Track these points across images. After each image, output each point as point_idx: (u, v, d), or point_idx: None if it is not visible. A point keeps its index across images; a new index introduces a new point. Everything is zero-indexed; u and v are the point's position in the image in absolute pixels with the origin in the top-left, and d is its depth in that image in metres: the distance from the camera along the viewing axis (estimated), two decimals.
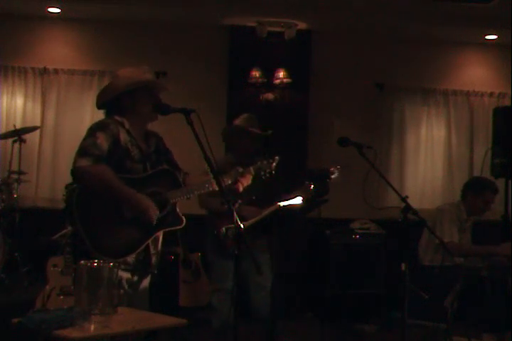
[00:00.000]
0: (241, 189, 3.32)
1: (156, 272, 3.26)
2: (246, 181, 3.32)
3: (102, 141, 3.00)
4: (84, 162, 2.96)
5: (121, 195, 2.98)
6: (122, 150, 3.07)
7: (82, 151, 2.98)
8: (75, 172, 2.98)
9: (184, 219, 3.19)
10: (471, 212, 4.83)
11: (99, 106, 3.26)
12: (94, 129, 3.06)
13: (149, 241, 3.07)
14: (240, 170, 3.32)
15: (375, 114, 6.62)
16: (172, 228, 3.16)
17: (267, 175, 3.40)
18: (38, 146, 6.17)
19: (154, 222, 3.02)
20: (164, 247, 3.29)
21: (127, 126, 3.14)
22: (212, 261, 4.20)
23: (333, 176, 4.02)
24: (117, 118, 3.14)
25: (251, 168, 3.35)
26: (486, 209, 4.84)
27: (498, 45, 6.72)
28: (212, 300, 4.16)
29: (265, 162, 3.42)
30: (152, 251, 3.15)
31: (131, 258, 3.05)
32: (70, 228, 3.02)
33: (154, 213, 3.01)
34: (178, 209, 3.17)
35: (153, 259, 3.17)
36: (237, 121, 4.22)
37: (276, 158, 3.47)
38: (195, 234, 4.87)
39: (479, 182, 4.89)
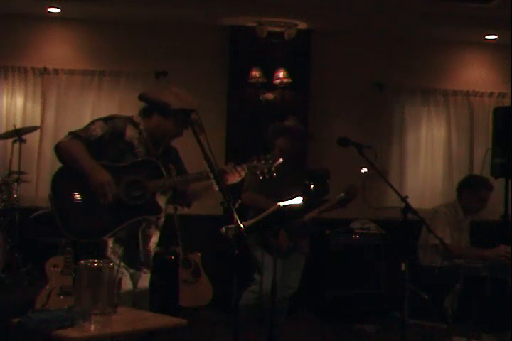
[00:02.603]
0: (228, 184, 3.19)
1: (146, 271, 3.27)
2: (233, 178, 3.19)
3: (96, 127, 3.12)
4: (65, 138, 3.12)
5: (83, 167, 3.02)
6: (125, 143, 3.15)
7: (72, 131, 3.15)
8: (55, 147, 3.13)
9: (162, 209, 3.20)
10: (468, 210, 4.85)
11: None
12: (98, 118, 3.22)
13: (124, 226, 3.06)
14: (231, 165, 3.22)
15: (375, 114, 6.62)
16: (148, 216, 3.18)
17: (266, 175, 3.24)
18: (38, 146, 6.17)
19: (108, 199, 3.00)
20: (164, 247, 3.31)
21: (142, 126, 3.21)
22: (254, 256, 4.06)
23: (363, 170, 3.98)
24: (135, 119, 3.24)
25: (244, 166, 3.22)
26: (482, 207, 4.84)
27: (498, 45, 6.72)
28: (246, 297, 4.12)
29: (263, 161, 3.25)
30: (141, 247, 3.18)
31: (120, 250, 3.12)
32: (47, 209, 3.12)
33: (110, 190, 3.00)
34: (157, 199, 3.17)
35: (141, 256, 3.19)
36: (286, 122, 4.40)
37: (281, 160, 3.28)
38: (195, 234, 4.88)
39: (473, 180, 4.91)
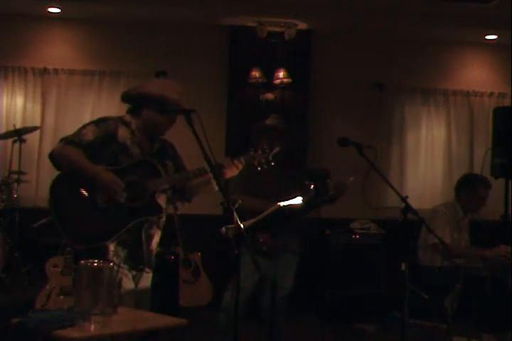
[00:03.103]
0: (225, 178, 3.22)
1: (148, 271, 3.27)
2: (231, 172, 3.20)
3: (88, 132, 3.11)
4: (58, 145, 3.11)
5: (85, 171, 3.03)
6: (118, 145, 3.15)
7: (64, 138, 3.13)
8: (49, 155, 3.12)
9: (163, 208, 3.19)
10: (467, 209, 4.86)
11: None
12: (89, 122, 3.21)
13: (126, 228, 3.06)
14: (229, 159, 3.22)
15: (375, 114, 6.62)
16: (150, 217, 3.17)
17: (264, 166, 3.22)
18: (38, 146, 6.16)
19: (122, 197, 3.02)
20: (164, 247, 3.30)
21: (133, 125, 3.20)
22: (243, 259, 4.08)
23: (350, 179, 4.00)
24: (126, 118, 3.22)
25: (241, 159, 3.21)
26: (481, 205, 4.85)
27: (498, 45, 6.71)
28: (227, 297, 4.10)
29: (260, 152, 3.23)
30: (144, 248, 3.17)
31: (123, 253, 3.11)
32: (49, 217, 3.10)
33: (119, 187, 3.01)
34: (157, 199, 3.16)
35: (144, 256, 3.19)
36: (268, 121, 4.28)
37: (278, 149, 3.29)
38: (195, 234, 4.89)
39: (471, 178, 4.92)
